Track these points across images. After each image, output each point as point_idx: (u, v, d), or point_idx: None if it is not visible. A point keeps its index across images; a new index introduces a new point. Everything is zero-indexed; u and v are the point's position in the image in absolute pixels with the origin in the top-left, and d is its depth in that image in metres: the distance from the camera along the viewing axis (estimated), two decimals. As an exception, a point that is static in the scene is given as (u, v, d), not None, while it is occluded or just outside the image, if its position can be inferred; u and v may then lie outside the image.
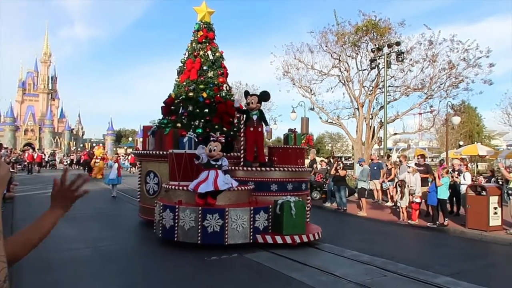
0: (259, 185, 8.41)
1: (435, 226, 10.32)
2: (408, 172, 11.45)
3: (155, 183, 9.94)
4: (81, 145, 39.15)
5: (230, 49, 56.28)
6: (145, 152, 10.53)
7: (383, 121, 20.91)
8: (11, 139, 54.61)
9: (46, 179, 24.01)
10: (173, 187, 8.13)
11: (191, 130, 9.70)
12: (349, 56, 23.66)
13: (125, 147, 54.73)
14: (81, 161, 26.94)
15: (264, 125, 8.91)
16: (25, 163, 30.47)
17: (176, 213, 7.39)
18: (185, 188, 7.77)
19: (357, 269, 6.50)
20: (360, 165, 15.19)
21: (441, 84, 22.09)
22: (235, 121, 10.28)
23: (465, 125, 36.12)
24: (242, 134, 8.98)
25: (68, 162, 38.18)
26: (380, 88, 22.53)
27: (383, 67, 19.95)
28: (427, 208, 11.61)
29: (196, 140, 9.12)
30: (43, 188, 17.85)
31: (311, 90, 25.00)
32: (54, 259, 6.69)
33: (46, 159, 37.41)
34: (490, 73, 21.07)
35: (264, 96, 9.12)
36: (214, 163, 7.56)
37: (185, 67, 11.10)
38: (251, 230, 7.40)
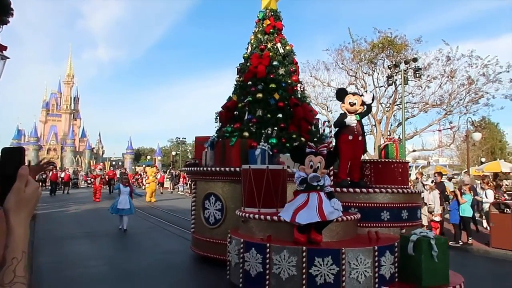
0: (364, 213, 6.35)
1: (458, 245, 10.01)
2: (425, 190, 11.20)
3: (217, 209, 7.80)
4: (101, 164, 39.82)
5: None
6: (203, 169, 8.16)
7: (401, 137, 20.67)
8: (34, 158, 56.03)
9: (66, 197, 24.50)
10: (255, 216, 5.78)
11: (263, 140, 7.73)
12: (365, 73, 23.72)
13: (144, 166, 55.40)
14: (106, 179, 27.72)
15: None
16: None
17: (267, 255, 5.15)
18: (274, 217, 5.52)
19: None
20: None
21: (460, 100, 21.90)
22: (322, 128, 8.84)
23: (487, 141, 35.32)
24: (331, 145, 6.98)
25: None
26: (397, 105, 22.38)
27: (400, 84, 19.85)
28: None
29: (270, 152, 7.32)
30: (64, 206, 18.23)
31: (327, 107, 25.05)
32: (71, 277, 6.73)
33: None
34: (512, 88, 20.79)
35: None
36: (315, 183, 5.45)
37: (249, 64, 9.10)
38: (376, 279, 5.14)
